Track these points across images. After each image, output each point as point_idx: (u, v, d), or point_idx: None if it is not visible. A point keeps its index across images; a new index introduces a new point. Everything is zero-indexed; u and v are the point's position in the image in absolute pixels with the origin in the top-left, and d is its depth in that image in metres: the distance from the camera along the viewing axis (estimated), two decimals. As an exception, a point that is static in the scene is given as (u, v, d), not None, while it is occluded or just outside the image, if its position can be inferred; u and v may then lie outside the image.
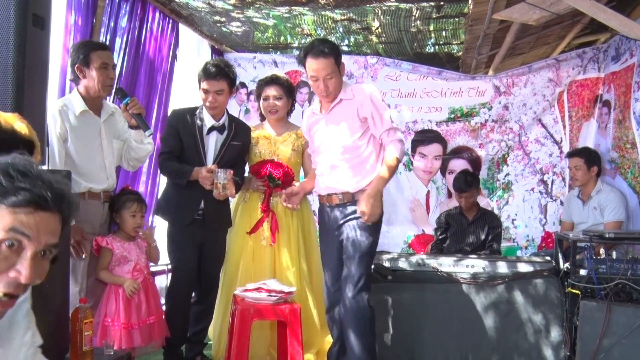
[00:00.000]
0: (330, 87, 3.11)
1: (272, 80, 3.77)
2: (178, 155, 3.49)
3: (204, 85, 3.45)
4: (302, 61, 3.16)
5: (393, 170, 3.16)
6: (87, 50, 3.15)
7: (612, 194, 4.43)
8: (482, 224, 4.68)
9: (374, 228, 3.14)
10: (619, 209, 4.36)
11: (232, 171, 3.40)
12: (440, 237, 4.84)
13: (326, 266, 3.38)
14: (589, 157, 4.56)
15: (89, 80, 3.16)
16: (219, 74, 3.43)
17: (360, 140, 3.16)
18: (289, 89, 3.82)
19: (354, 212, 3.13)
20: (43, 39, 2.38)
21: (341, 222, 3.19)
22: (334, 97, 3.17)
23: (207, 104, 3.47)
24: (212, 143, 3.53)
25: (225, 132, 3.55)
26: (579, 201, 4.65)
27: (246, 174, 3.84)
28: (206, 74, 3.45)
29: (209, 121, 3.51)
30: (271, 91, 3.74)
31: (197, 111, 3.53)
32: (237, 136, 3.59)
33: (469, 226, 4.69)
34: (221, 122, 3.54)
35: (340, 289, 3.20)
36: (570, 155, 4.79)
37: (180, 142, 3.49)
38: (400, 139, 3.16)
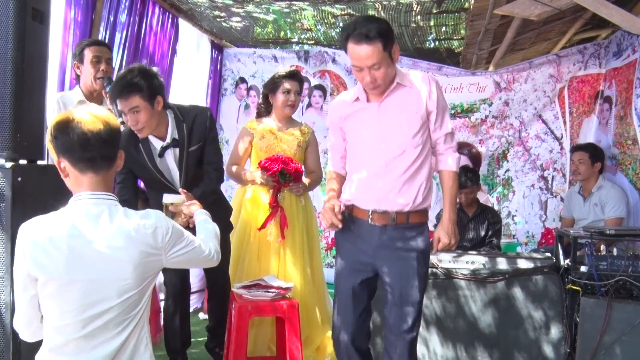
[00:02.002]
0: (379, 78, 2.45)
1: (294, 75, 3.76)
2: (133, 185, 3.14)
3: (118, 106, 2.90)
4: (342, 45, 2.51)
5: (457, 188, 2.69)
6: (81, 47, 3.29)
7: (612, 191, 4.43)
8: (482, 220, 4.68)
9: (427, 258, 2.66)
10: (620, 205, 4.35)
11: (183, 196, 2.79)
12: (440, 233, 4.83)
13: (341, 301, 2.68)
14: (594, 153, 4.55)
15: (84, 75, 3.27)
16: (123, 92, 2.83)
17: (420, 140, 2.55)
18: (302, 86, 3.87)
19: (410, 239, 2.58)
20: (42, 33, 2.37)
21: (387, 247, 2.56)
22: (384, 89, 2.53)
23: (131, 126, 2.93)
24: (172, 162, 3.09)
25: (180, 143, 3.05)
26: (579, 197, 4.65)
27: (247, 168, 3.82)
28: (112, 95, 2.91)
29: (156, 143, 3.03)
30: (293, 85, 3.71)
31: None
32: (194, 137, 3.09)
33: (468, 222, 4.68)
34: (169, 138, 3.02)
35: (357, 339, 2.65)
36: (575, 149, 4.77)
37: (132, 172, 3.09)
38: (456, 149, 2.67)
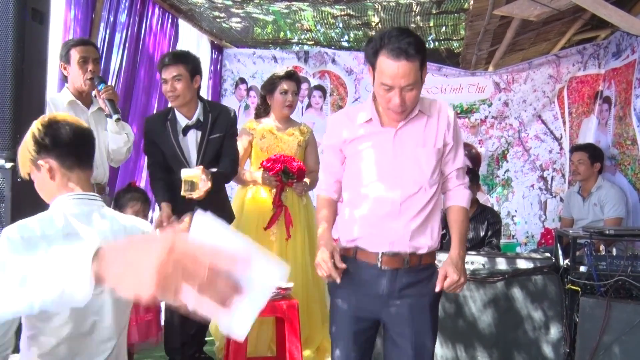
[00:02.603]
0: (409, 101, 2.14)
1: (292, 75, 3.77)
2: (164, 164, 3.35)
3: (162, 75, 3.30)
4: (370, 58, 2.15)
5: (468, 224, 2.40)
6: (67, 48, 3.23)
7: (612, 191, 4.43)
8: (481, 220, 4.67)
9: (438, 300, 2.33)
10: (619, 205, 4.36)
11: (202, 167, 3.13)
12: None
13: (340, 340, 2.33)
14: (594, 153, 4.57)
15: (71, 76, 3.24)
16: (173, 60, 3.28)
17: (437, 178, 2.28)
18: (300, 86, 3.87)
19: (422, 282, 2.24)
20: (42, 33, 2.38)
21: (398, 295, 2.23)
22: (408, 114, 2.22)
23: (168, 94, 3.29)
24: (192, 143, 3.35)
25: (203, 127, 3.35)
26: (579, 197, 4.65)
27: (247, 168, 3.83)
28: (161, 63, 3.33)
29: (182, 121, 3.35)
30: (291, 86, 3.73)
31: (170, 115, 3.36)
32: (217, 127, 3.37)
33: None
34: (194, 119, 3.34)
35: None
36: (575, 149, 4.78)
37: (160, 150, 3.35)
38: (468, 185, 2.40)
